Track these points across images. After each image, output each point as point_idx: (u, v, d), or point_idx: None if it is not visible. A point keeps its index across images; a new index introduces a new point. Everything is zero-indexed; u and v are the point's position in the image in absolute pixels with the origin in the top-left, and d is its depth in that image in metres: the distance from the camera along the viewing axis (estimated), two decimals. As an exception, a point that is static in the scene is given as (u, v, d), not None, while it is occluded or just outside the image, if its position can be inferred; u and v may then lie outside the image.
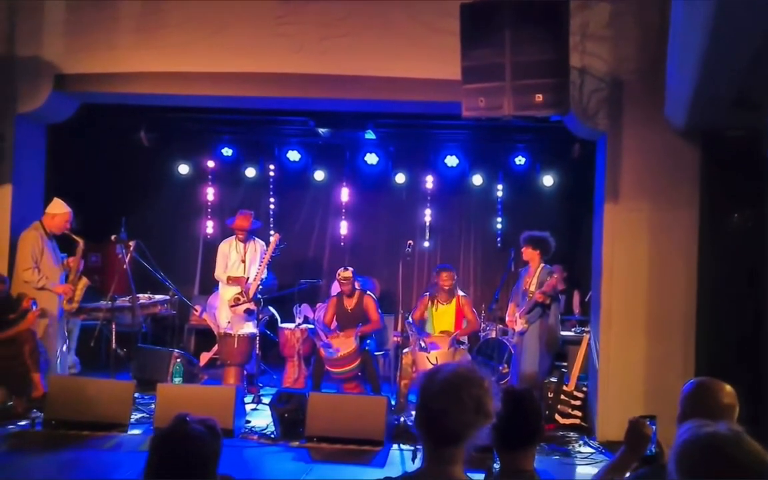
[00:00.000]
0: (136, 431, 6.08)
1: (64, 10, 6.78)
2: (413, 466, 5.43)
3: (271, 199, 10.24)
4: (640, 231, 6.24)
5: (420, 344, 6.98)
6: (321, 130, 9.07)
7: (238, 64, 6.58)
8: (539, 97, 5.30)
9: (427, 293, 7.67)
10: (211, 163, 10.08)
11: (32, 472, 4.97)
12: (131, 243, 6.93)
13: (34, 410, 6.23)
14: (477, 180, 9.72)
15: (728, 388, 2.75)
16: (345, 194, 10.04)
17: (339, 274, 7.62)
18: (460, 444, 2.01)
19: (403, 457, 5.72)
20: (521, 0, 5.29)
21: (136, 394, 6.46)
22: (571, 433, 6.42)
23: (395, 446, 5.91)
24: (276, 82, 6.64)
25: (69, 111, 7.22)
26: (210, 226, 10.24)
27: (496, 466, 2.52)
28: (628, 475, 2.60)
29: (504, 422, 2.40)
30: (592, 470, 5.59)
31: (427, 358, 6.75)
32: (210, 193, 10.22)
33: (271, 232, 9.80)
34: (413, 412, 2.13)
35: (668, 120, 5.95)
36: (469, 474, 2.09)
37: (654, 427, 2.64)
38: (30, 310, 6.38)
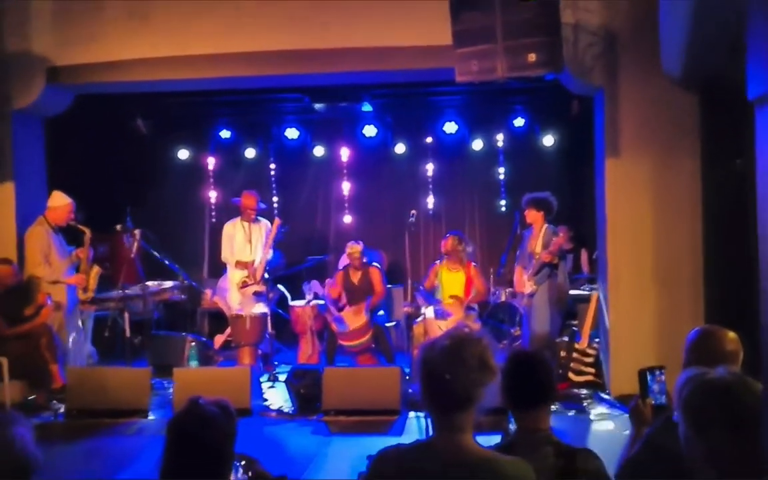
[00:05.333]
0: (156, 416, 6.16)
1: (51, 1, 6.74)
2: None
3: (273, 177, 10.24)
4: (642, 184, 6.23)
5: (435, 310, 7.02)
6: (317, 106, 9.01)
7: (230, 44, 6.55)
8: (532, 57, 5.25)
9: (438, 261, 7.69)
10: (210, 146, 10.06)
11: (59, 463, 5.04)
12: (137, 232, 6.97)
13: (55, 402, 6.32)
14: (477, 145, 9.67)
15: (731, 334, 2.76)
16: (346, 168, 10.02)
17: (348, 248, 7.65)
18: (469, 407, 2.00)
19: (420, 424, 5.80)
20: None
21: (153, 380, 6.52)
22: (585, 390, 6.48)
23: (412, 414, 5.96)
24: (268, 60, 6.60)
25: (64, 103, 7.22)
26: (213, 207, 10.24)
27: (512, 426, 2.55)
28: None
29: (516, 384, 2.45)
30: (608, 425, 5.68)
31: (439, 326, 6.79)
32: (211, 176, 10.21)
33: (275, 207, 9.81)
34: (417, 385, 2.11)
35: (665, 70, 5.90)
36: (485, 437, 2.10)
37: (663, 376, 2.67)
38: (45, 305, 6.47)
